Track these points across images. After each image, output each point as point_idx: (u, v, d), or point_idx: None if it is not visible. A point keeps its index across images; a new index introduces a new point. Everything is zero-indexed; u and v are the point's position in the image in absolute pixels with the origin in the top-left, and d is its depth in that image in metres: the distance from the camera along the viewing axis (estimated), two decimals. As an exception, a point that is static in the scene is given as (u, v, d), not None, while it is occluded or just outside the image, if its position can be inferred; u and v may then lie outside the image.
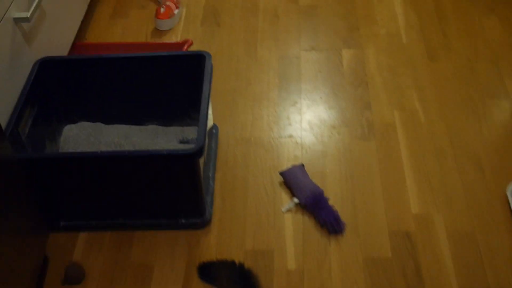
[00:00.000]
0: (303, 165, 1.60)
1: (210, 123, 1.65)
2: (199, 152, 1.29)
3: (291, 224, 1.50)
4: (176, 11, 2.08)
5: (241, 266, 1.41)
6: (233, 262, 1.42)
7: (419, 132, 1.69)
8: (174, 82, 1.60)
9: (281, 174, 1.59)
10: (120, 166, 1.35)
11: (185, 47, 1.88)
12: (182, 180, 1.39)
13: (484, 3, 2.11)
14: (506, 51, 1.92)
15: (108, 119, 1.67)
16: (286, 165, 1.63)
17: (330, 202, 1.53)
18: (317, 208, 1.50)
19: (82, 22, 2.03)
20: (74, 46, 1.90)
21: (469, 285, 1.36)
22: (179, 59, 1.56)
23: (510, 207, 1.49)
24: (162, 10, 2.04)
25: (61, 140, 1.62)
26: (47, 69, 1.55)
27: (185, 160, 1.32)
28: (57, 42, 1.73)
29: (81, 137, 1.62)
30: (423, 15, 2.08)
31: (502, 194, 1.53)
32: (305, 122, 1.75)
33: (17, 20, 1.45)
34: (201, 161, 1.40)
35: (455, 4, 2.11)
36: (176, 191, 1.42)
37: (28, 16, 1.44)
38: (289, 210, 1.53)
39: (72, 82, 1.60)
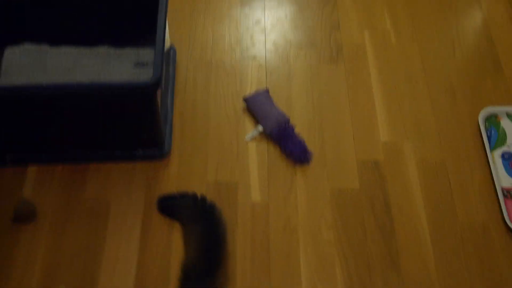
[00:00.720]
0: (267, 90, 1.51)
1: (167, 44, 1.52)
2: (156, 84, 1.17)
3: (256, 154, 1.43)
4: None
5: (203, 199, 1.34)
6: (194, 195, 1.34)
7: (390, 55, 1.60)
8: (127, -1, 1.45)
9: (245, 100, 1.50)
10: (69, 99, 1.22)
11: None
12: (138, 111, 1.28)
13: None
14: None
15: (55, 40, 1.52)
16: (249, 90, 1.53)
17: (297, 130, 1.45)
18: (282, 137, 1.43)
19: None
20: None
21: (437, 216, 1.33)
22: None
23: (481, 135, 1.44)
24: None
25: (2, 64, 1.47)
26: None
27: (141, 92, 1.20)
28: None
29: (26, 62, 1.47)
30: None
31: (474, 121, 1.47)
32: (269, 43, 1.63)
33: None
34: (158, 88, 1.29)
35: None
36: (132, 122, 1.31)
37: None
38: (253, 139, 1.45)
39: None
